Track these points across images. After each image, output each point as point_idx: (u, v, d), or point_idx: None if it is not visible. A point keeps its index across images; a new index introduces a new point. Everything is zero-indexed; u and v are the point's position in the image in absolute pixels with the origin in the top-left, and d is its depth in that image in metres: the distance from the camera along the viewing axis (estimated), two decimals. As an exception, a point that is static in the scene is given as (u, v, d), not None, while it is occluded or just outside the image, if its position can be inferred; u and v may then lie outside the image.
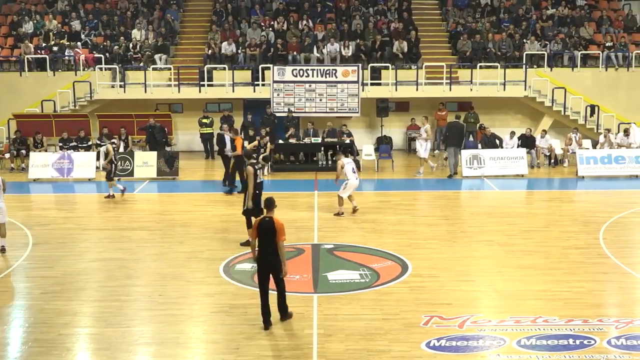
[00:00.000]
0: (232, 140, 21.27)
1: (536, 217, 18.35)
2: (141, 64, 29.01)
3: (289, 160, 25.73)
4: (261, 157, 23.70)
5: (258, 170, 15.03)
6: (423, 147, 23.98)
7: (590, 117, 28.17)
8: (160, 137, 25.31)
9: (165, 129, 26.07)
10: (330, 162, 25.02)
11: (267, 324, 10.95)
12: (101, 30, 31.23)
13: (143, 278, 13.54)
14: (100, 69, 28.37)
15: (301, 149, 25.58)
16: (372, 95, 27.75)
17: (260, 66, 28.20)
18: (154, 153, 23.77)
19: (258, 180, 14.94)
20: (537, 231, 16.66)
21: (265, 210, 11.25)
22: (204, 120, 27.41)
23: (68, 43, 29.75)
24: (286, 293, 11.16)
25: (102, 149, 22.47)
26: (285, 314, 11.24)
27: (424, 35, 30.94)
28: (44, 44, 29.74)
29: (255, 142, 24.11)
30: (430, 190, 21.71)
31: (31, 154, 24.31)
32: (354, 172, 18.30)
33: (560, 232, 16.53)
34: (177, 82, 27.97)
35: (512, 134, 25.72)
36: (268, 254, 10.92)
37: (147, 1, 32.63)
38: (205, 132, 27.31)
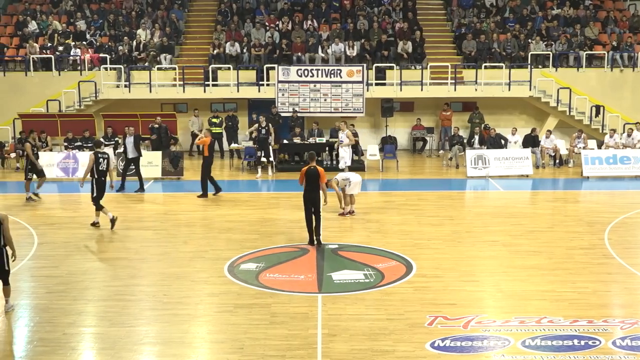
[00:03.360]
0: (136, 142, 21.74)
1: (541, 217, 18.32)
2: (146, 64, 29.05)
3: (294, 160, 25.71)
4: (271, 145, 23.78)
5: (101, 159, 17.11)
6: (347, 155, 22.98)
7: (596, 117, 28.12)
8: (165, 138, 25.40)
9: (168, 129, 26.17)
10: (335, 163, 24.99)
11: (311, 241, 15.25)
12: (106, 30, 31.28)
13: (147, 278, 13.55)
14: (106, 68, 28.42)
15: (306, 149, 25.48)
16: (377, 96, 27.74)
17: (265, 66, 28.23)
18: (159, 153, 23.82)
19: (101, 168, 17.10)
20: (541, 231, 16.64)
21: (310, 162, 15.40)
22: (214, 120, 27.50)
23: (74, 42, 29.81)
24: (320, 225, 15.43)
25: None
26: (319, 236, 15.27)
27: (428, 36, 30.92)
28: (49, 44, 29.80)
29: (255, 126, 24.15)
30: (434, 191, 21.68)
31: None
32: (349, 171, 18.83)
33: (565, 233, 16.51)
34: (182, 82, 28.00)
35: (514, 130, 25.80)
36: (312, 192, 15.18)
37: (152, 1, 32.67)
38: (214, 131, 27.33)
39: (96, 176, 17.14)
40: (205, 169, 20.53)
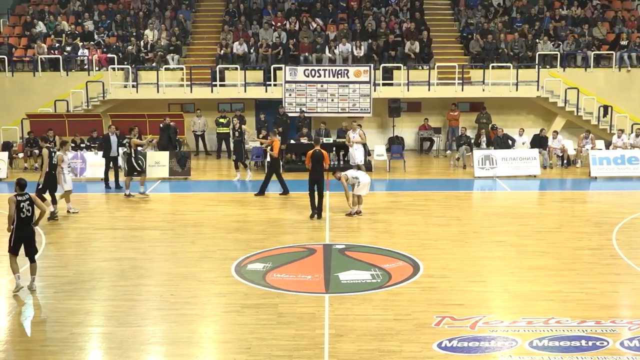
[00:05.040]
0: (119, 141, 22.15)
1: (548, 217, 18.28)
2: (154, 64, 29.10)
3: (301, 160, 25.68)
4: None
5: (53, 154, 17.74)
6: (360, 154, 22.89)
7: (603, 117, 28.03)
8: (174, 138, 25.48)
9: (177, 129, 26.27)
10: (342, 163, 24.95)
11: (313, 215, 17.72)
12: (114, 30, 31.35)
13: (155, 277, 13.58)
14: (113, 69, 28.49)
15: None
16: (384, 96, 27.72)
17: (272, 66, 28.25)
18: (166, 153, 23.84)
19: (53, 162, 17.72)
20: (549, 232, 16.60)
21: (314, 145, 18.34)
22: (221, 120, 27.58)
23: (82, 43, 29.90)
24: (322, 201, 17.92)
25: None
26: (320, 211, 17.70)
27: (436, 36, 30.90)
28: (57, 44, 29.87)
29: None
30: (442, 191, 21.67)
31: (44, 153, 24.37)
32: (359, 170, 18.40)
33: (572, 233, 16.47)
34: (189, 82, 28.04)
35: (522, 131, 25.72)
36: (317, 172, 17.82)
37: (160, 1, 32.73)
38: (221, 131, 27.45)
39: (47, 169, 17.67)
40: (277, 169, 20.84)
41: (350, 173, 18.29)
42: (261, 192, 20.60)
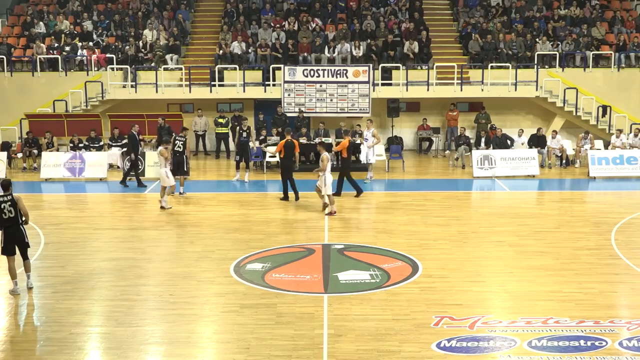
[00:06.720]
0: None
1: (547, 217, 18.28)
2: (152, 64, 29.09)
3: (300, 160, 25.63)
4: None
5: None
6: (371, 152, 22.85)
7: (602, 117, 28.04)
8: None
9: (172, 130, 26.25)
10: (340, 163, 24.88)
11: (284, 199, 19.78)
12: (113, 30, 31.33)
13: (154, 277, 13.58)
14: (112, 69, 28.46)
15: (312, 149, 25.50)
16: (383, 96, 27.73)
17: (271, 66, 28.24)
18: (165, 153, 23.80)
19: None
20: (548, 232, 16.61)
21: (286, 135, 20.22)
22: (220, 120, 27.59)
23: (81, 43, 29.88)
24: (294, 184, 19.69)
25: None
26: (296, 194, 19.72)
27: (434, 36, 30.89)
28: (56, 44, 29.86)
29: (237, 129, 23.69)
30: (440, 191, 21.67)
31: (43, 153, 24.39)
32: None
33: (571, 233, 16.48)
34: (188, 82, 28.04)
35: (521, 131, 25.71)
36: (288, 160, 19.78)
37: (159, 1, 32.71)
38: (220, 131, 27.45)
39: None
40: (345, 169, 20.54)
41: (329, 180, 18.15)
42: (338, 192, 20.01)
